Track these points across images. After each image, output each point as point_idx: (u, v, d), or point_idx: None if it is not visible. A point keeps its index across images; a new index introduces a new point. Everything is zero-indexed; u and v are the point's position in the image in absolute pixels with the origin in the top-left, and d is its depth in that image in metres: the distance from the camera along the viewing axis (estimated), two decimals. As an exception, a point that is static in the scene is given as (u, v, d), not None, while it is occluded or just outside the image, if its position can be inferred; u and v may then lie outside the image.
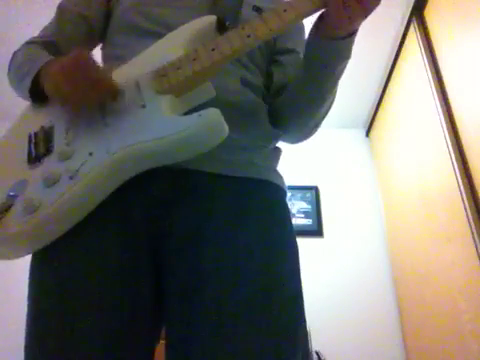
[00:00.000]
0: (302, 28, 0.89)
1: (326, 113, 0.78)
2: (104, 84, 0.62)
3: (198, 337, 0.56)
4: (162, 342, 0.62)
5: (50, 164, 0.60)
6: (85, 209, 0.58)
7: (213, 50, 0.62)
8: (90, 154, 0.58)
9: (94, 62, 0.62)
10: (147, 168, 0.59)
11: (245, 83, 0.73)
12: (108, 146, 0.58)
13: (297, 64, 0.80)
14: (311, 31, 0.67)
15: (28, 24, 2.08)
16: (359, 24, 0.63)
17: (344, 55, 0.67)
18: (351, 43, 0.66)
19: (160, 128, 0.57)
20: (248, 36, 0.61)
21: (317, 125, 0.80)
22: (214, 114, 0.56)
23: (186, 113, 0.61)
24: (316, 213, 2.64)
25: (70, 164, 0.58)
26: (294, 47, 0.83)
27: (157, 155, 0.57)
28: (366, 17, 0.62)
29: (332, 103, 0.77)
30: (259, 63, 0.79)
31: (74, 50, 0.63)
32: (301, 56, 0.82)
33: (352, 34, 0.65)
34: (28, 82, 0.69)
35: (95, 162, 0.57)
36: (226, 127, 0.56)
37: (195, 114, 0.56)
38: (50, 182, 0.57)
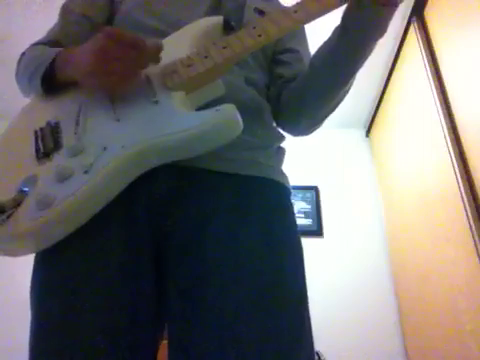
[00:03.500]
0: (303, 28, 0.90)
1: (340, 101, 0.77)
2: (144, 43, 0.60)
3: (200, 337, 0.56)
4: (164, 342, 0.62)
5: (61, 159, 0.59)
6: (100, 204, 0.58)
7: (224, 48, 0.63)
8: (104, 149, 0.58)
9: (124, 31, 0.60)
10: (160, 164, 0.59)
11: (249, 82, 0.74)
12: (123, 141, 0.58)
13: (301, 61, 0.80)
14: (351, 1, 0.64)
15: (28, 25, 2.08)
16: None
17: (383, 26, 0.65)
18: (392, 15, 0.64)
19: (178, 123, 0.58)
20: (259, 35, 0.62)
21: (326, 115, 0.79)
22: (231, 109, 0.57)
23: (197, 110, 0.61)
24: (316, 213, 2.64)
25: (83, 159, 0.58)
26: (294, 46, 0.84)
27: (175, 149, 0.58)
28: None
29: (348, 91, 0.76)
30: (262, 63, 0.80)
31: (104, 28, 0.61)
32: (301, 54, 0.84)
33: (396, 5, 0.62)
34: (42, 71, 0.68)
35: (110, 156, 0.57)
36: (241, 122, 0.57)
37: (212, 109, 0.57)
38: (63, 177, 0.56)
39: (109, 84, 0.61)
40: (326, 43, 0.72)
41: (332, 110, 0.78)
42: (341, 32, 0.68)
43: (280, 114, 0.79)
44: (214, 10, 0.75)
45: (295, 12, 0.63)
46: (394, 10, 0.64)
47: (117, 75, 0.60)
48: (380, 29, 0.66)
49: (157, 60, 0.63)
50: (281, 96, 0.78)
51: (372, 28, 0.65)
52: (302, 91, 0.76)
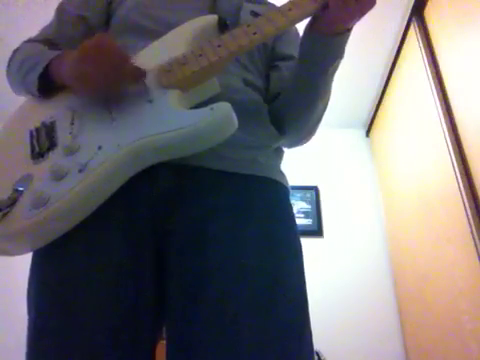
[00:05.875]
0: (299, 35, 0.92)
1: (321, 115, 0.79)
2: (129, 65, 0.62)
3: (200, 336, 0.56)
4: (163, 342, 0.62)
5: (56, 158, 0.60)
6: (94, 203, 0.58)
7: (219, 46, 0.63)
8: (99, 148, 0.58)
9: (117, 45, 0.61)
10: (155, 162, 0.59)
11: (247, 84, 0.74)
12: (118, 140, 0.58)
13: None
14: (306, 28, 0.68)
15: (29, 24, 2.08)
16: (355, 22, 0.65)
17: (338, 52, 0.68)
18: (346, 41, 0.67)
19: (173, 121, 0.58)
20: (254, 33, 0.62)
21: (313, 129, 0.81)
22: (226, 108, 0.57)
23: (192, 108, 0.61)
24: (316, 213, 2.64)
25: (78, 158, 0.58)
26: (292, 53, 0.85)
27: (170, 147, 0.58)
28: (362, 16, 0.63)
29: (326, 106, 0.78)
30: (259, 65, 0.80)
31: (97, 35, 0.63)
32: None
33: (347, 31, 0.66)
34: (38, 72, 0.68)
35: (105, 155, 0.57)
36: (236, 121, 0.57)
37: (207, 107, 0.57)
38: (58, 176, 0.57)
39: (91, 91, 0.62)
40: (293, 66, 0.75)
41: (315, 125, 0.80)
42: (299, 60, 0.72)
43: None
44: (211, 13, 0.76)
45: (289, 10, 0.63)
46: (347, 36, 0.67)
47: (96, 81, 0.60)
48: (336, 55, 0.69)
49: (134, 83, 0.63)
50: (270, 113, 0.79)
51: (327, 56, 0.68)
52: (283, 111, 0.77)
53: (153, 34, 0.73)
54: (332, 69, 0.70)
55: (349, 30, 0.66)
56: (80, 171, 0.56)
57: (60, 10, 0.84)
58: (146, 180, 0.61)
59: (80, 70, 0.60)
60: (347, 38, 0.67)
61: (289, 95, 0.76)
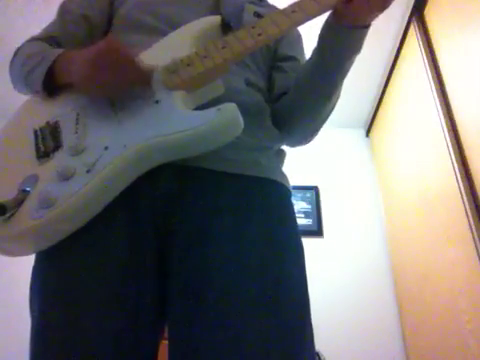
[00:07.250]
0: (300, 36, 0.92)
1: (326, 117, 0.79)
2: (139, 66, 0.62)
3: (202, 337, 0.56)
4: (165, 342, 0.62)
5: (62, 159, 0.60)
6: (102, 204, 0.58)
7: (224, 48, 0.63)
8: (106, 148, 0.58)
9: (128, 50, 0.62)
10: (161, 163, 0.59)
11: (249, 84, 0.74)
12: (125, 140, 0.58)
13: (297, 70, 0.81)
14: (327, 20, 0.68)
15: (28, 24, 2.08)
16: (376, 16, 0.65)
17: (356, 46, 0.68)
18: (365, 35, 0.67)
19: (180, 122, 0.58)
20: (259, 34, 0.62)
21: (317, 130, 0.81)
22: (233, 109, 0.57)
23: (196, 109, 0.62)
24: (316, 213, 2.64)
25: (84, 158, 0.58)
26: (294, 54, 0.86)
27: (177, 148, 0.58)
28: (385, 8, 0.63)
29: (332, 109, 0.78)
30: (261, 66, 0.80)
31: (107, 37, 0.63)
32: (301, 63, 0.85)
33: (367, 26, 0.66)
34: (43, 69, 0.68)
35: (113, 156, 0.57)
36: (242, 122, 0.58)
37: (214, 108, 0.57)
38: (65, 176, 0.57)
39: (100, 93, 0.63)
40: (307, 61, 0.75)
41: (321, 124, 0.80)
42: (317, 52, 0.71)
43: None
44: (214, 13, 0.76)
45: (293, 12, 0.63)
46: (366, 30, 0.67)
47: (107, 85, 0.61)
48: (354, 48, 0.68)
49: (148, 83, 0.63)
50: (273, 112, 0.79)
51: (345, 48, 0.68)
52: (290, 109, 0.77)
53: (156, 31, 0.73)
54: (347, 65, 0.70)
55: (368, 26, 0.66)
56: (88, 171, 0.56)
57: (62, 9, 0.84)
58: (147, 181, 0.61)
59: (94, 75, 0.61)
60: (366, 33, 0.67)
61: (298, 94, 0.76)
